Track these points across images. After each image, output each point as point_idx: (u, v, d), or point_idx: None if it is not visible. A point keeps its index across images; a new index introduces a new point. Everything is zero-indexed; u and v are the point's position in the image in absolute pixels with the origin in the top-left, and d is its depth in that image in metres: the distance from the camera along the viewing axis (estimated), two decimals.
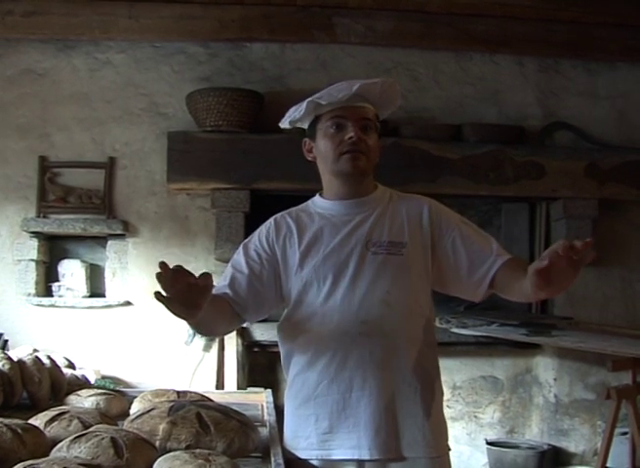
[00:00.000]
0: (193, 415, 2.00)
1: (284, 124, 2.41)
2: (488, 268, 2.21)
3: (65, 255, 4.76)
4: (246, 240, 2.42)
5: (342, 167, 2.26)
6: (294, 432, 2.30)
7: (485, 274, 2.22)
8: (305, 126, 2.37)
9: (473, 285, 2.26)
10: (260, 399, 2.94)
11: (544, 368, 4.96)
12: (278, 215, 2.41)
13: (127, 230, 4.67)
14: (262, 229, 2.39)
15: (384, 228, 2.28)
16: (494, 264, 2.21)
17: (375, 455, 2.18)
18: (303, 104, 2.28)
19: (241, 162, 4.51)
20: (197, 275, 1.96)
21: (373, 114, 2.31)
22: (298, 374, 2.29)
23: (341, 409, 2.20)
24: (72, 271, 4.63)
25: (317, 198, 2.42)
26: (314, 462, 2.23)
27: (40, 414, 2.09)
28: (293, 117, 2.34)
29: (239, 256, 2.36)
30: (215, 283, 2.08)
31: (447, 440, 2.33)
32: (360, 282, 2.22)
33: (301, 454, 2.25)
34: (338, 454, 2.20)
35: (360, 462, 2.20)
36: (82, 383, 2.91)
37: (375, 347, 2.19)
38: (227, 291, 2.28)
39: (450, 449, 2.34)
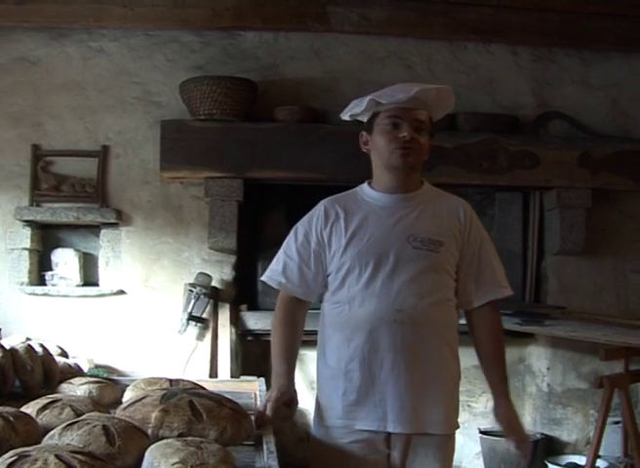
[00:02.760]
0: (185, 403, 2.01)
1: (345, 116, 2.63)
2: (486, 293, 2.54)
3: (59, 244, 4.75)
4: (297, 224, 2.63)
5: (394, 161, 2.47)
6: (322, 400, 2.55)
7: (482, 296, 2.54)
8: (364, 120, 2.57)
9: (469, 296, 2.56)
10: (252, 387, 2.95)
11: (538, 357, 4.98)
12: (327, 202, 2.60)
13: (120, 219, 4.66)
14: (313, 215, 2.59)
15: (426, 225, 2.49)
16: (492, 293, 2.54)
17: (398, 429, 2.42)
18: (365, 100, 2.48)
19: (234, 151, 4.50)
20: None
21: (426, 117, 2.51)
22: (333, 350, 2.52)
23: (370, 385, 2.43)
24: (65, 260, 4.63)
25: (366, 186, 2.61)
26: (339, 430, 2.47)
27: (32, 402, 2.09)
28: (353, 111, 2.56)
29: (290, 242, 2.60)
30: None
31: (457, 419, 2.59)
32: (398, 273, 2.43)
33: (327, 422, 2.50)
34: (362, 425, 2.44)
35: (383, 434, 2.44)
36: (75, 372, 2.91)
37: (406, 334, 2.41)
38: (282, 279, 2.56)
39: (459, 427, 2.59)
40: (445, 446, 2.52)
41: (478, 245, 2.54)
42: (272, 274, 2.60)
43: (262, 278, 2.67)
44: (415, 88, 2.45)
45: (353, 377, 2.45)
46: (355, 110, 2.55)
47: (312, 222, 2.56)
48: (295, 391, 2.47)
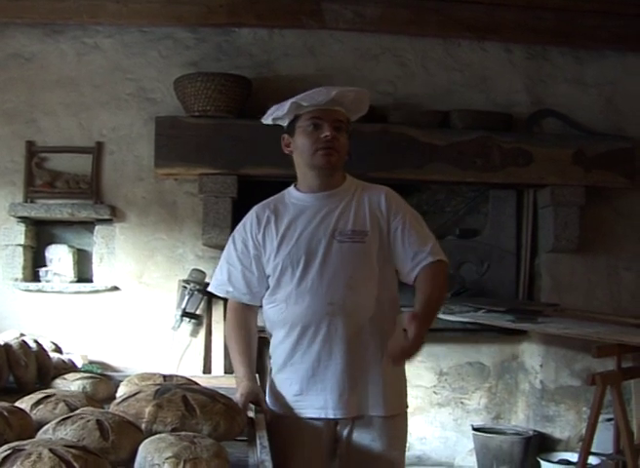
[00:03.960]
0: (179, 398, 2.01)
1: (267, 120, 2.71)
2: (418, 262, 2.54)
3: (53, 240, 4.75)
4: (234, 232, 2.74)
5: (317, 161, 2.57)
6: (273, 392, 2.65)
7: (414, 266, 2.55)
8: (285, 123, 2.66)
9: (407, 271, 2.58)
10: None
11: (531, 354, 4.99)
12: (258, 208, 2.71)
13: (114, 215, 4.66)
14: (246, 222, 2.70)
15: (349, 218, 2.59)
16: (423, 260, 2.54)
17: (338, 415, 2.54)
18: (287, 104, 2.57)
19: (228, 147, 4.50)
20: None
21: (345, 117, 2.61)
22: (278, 345, 2.65)
23: (311, 375, 2.55)
24: (59, 256, 4.62)
25: (292, 189, 2.71)
26: (289, 419, 2.57)
27: (26, 397, 2.09)
28: (275, 115, 2.64)
29: (230, 250, 2.71)
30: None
31: (405, 399, 2.70)
32: (327, 268, 2.54)
33: (278, 411, 2.60)
34: (308, 413, 2.56)
35: (328, 420, 2.56)
36: (69, 367, 2.92)
37: (340, 325, 2.52)
38: (229, 288, 2.70)
39: (407, 407, 2.70)
40: (390, 427, 2.61)
41: (401, 221, 2.58)
42: (219, 284, 2.74)
43: (209, 288, 2.83)
44: (334, 90, 2.54)
45: (296, 370, 2.57)
46: (277, 114, 2.63)
47: (247, 228, 2.68)
48: (258, 389, 2.57)
